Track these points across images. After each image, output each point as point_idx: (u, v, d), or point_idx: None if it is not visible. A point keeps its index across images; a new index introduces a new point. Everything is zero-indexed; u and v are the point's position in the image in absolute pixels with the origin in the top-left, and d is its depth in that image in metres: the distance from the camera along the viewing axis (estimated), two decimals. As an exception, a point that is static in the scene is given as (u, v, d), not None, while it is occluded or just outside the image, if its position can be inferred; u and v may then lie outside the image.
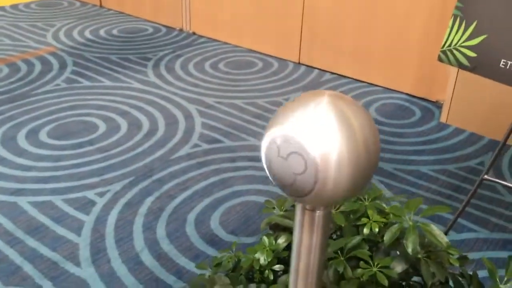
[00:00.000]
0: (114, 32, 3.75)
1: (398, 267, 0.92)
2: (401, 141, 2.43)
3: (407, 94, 2.93)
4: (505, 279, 0.94)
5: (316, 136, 0.53)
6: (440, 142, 2.44)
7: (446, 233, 1.68)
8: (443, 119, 2.63)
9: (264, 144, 0.57)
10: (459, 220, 1.91)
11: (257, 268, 1.06)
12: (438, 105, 2.79)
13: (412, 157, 2.30)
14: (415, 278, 1.01)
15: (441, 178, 2.16)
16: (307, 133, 0.53)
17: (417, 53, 2.82)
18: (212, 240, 1.77)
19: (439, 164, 2.26)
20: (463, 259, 1.01)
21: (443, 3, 2.63)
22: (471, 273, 1.01)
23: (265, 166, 0.59)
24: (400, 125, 2.59)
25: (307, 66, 3.27)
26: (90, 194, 1.98)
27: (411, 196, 2.02)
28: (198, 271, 1.63)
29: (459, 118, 2.58)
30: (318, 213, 0.61)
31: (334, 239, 1.04)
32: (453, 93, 2.57)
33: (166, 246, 1.74)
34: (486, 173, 1.50)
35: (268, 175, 0.58)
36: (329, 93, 0.56)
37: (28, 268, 1.62)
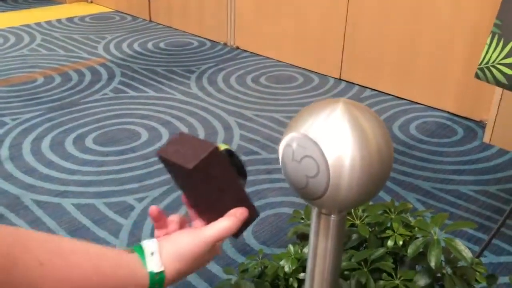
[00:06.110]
0: (162, 45, 3.88)
1: (421, 281, 0.91)
2: (441, 160, 2.39)
3: (449, 112, 2.87)
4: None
5: (329, 141, 0.55)
6: (482, 163, 2.38)
7: (480, 254, 1.64)
8: (486, 139, 2.57)
9: (281, 147, 0.60)
10: (499, 242, 1.85)
11: (282, 275, 1.08)
12: (482, 125, 2.72)
13: (451, 177, 2.25)
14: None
15: (481, 199, 2.10)
16: (320, 138, 0.56)
17: (460, 71, 2.77)
18: (244, 250, 1.80)
19: (480, 184, 2.20)
20: (491, 278, 1.00)
21: (488, 20, 2.58)
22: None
23: (281, 169, 0.61)
24: (441, 144, 2.54)
25: (348, 82, 3.27)
26: (129, 199, 2.05)
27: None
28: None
29: (504, 139, 2.51)
30: (333, 218, 0.63)
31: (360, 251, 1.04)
32: (497, 113, 2.51)
33: (198, 252, 1.78)
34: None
35: (284, 177, 0.61)
36: (344, 101, 0.58)
37: (67, 266, 1.70)
